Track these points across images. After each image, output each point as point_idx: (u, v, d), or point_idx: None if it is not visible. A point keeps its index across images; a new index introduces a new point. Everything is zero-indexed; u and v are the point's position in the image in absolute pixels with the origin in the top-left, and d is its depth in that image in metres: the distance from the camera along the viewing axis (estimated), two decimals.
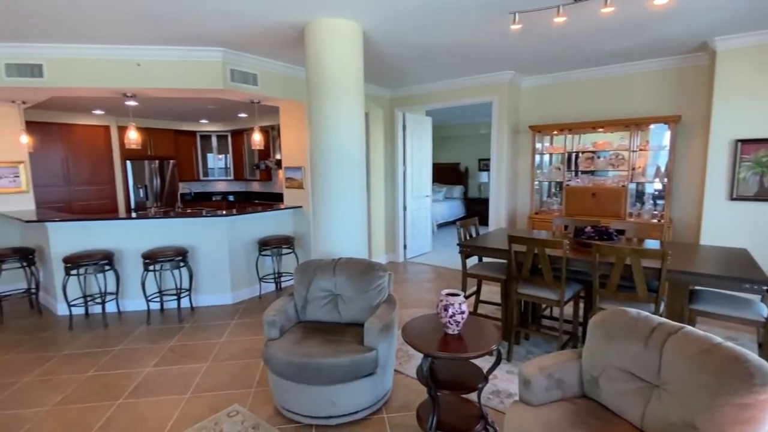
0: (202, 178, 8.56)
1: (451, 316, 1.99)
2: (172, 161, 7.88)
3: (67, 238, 4.15)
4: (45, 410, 2.57)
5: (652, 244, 3.29)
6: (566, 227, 4.04)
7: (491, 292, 4.72)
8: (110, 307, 4.29)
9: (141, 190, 7.44)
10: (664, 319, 1.72)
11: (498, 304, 3.84)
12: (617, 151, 4.66)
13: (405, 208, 6.31)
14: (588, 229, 3.18)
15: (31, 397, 2.71)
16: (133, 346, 3.48)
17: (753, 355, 1.42)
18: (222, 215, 4.38)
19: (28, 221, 4.03)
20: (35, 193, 6.17)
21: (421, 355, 3.00)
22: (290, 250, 4.65)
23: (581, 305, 3.52)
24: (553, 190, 5.60)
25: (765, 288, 2.27)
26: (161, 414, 2.51)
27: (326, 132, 3.20)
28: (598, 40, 3.73)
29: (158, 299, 4.34)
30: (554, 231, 4.02)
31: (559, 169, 5.13)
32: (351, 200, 3.29)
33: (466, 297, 2.08)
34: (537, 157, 5.26)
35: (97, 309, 4.28)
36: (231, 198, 8.88)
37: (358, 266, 2.78)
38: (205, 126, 8.32)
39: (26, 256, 4.21)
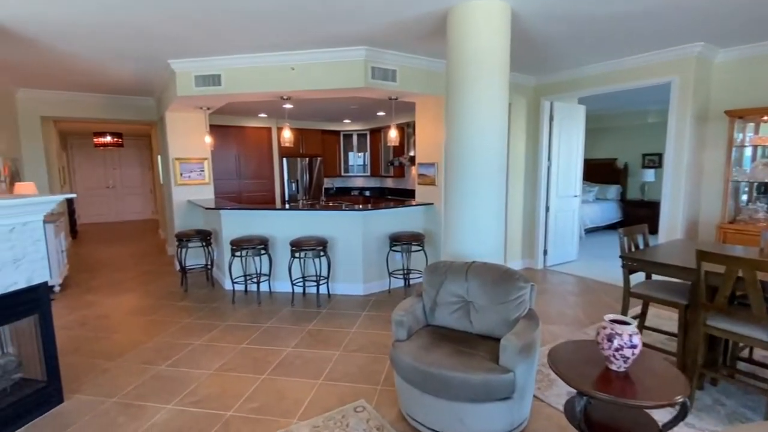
0: (343, 174, 9.18)
1: (617, 350, 1.59)
2: (319, 158, 8.63)
3: (235, 224, 4.83)
4: (208, 373, 2.97)
5: None
6: None
7: (659, 317, 3.86)
8: (264, 287, 4.86)
9: (293, 184, 8.33)
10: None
11: (671, 333, 3.09)
12: None
13: (547, 209, 5.66)
14: None
15: (200, 360, 3.17)
16: (278, 325, 3.84)
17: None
18: (357, 210, 4.53)
19: (207, 208, 4.81)
20: (215, 184, 7.44)
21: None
22: (420, 248, 4.57)
23: None
24: (756, 193, 4.31)
25: None
26: (296, 395, 2.66)
27: (465, 124, 2.97)
28: None
29: (301, 284, 4.73)
30: (763, 248, 3.04)
31: None
32: (488, 198, 3.00)
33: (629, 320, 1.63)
34: (734, 151, 4.10)
35: (253, 287, 4.89)
36: (367, 193, 9.32)
37: (494, 273, 2.50)
38: (347, 125, 8.89)
39: (205, 237, 5.04)
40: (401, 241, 4.46)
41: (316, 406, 2.54)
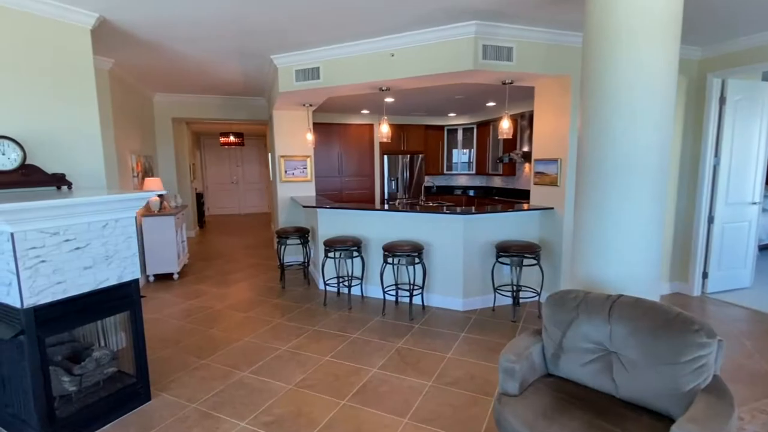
0: (445, 171, 8.61)
1: None
2: (420, 155, 8.20)
3: (330, 223, 4.64)
4: (287, 388, 2.73)
5: None
6: None
7: None
8: (356, 290, 4.59)
9: (393, 182, 8.05)
10: None
11: None
12: None
13: (711, 220, 4.36)
14: None
15: (282, 370, 2.97)
16: (366, 337, 3.49)
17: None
18: (458, 213, 3.95)
19: (305, 206, 4.71)
20: (318, 182, 7.52)
21: None
22: (534, 261, 3.81)
23: None
24: None
25: None
26: None
27: (611, 109, 2.21)
28: None
29: (394, 292, 4.34)
30: None
31: None
32: (643, 206, 2.19)
33: None
34: None
35: (346, 290, 4.66)
36: (471, 193, 8.60)
37: (655, 316, 1.74)
38: (452, 119, 8.29)
39: (303, 235, 4.97)
40: (511, 251, 3.77)
41: None
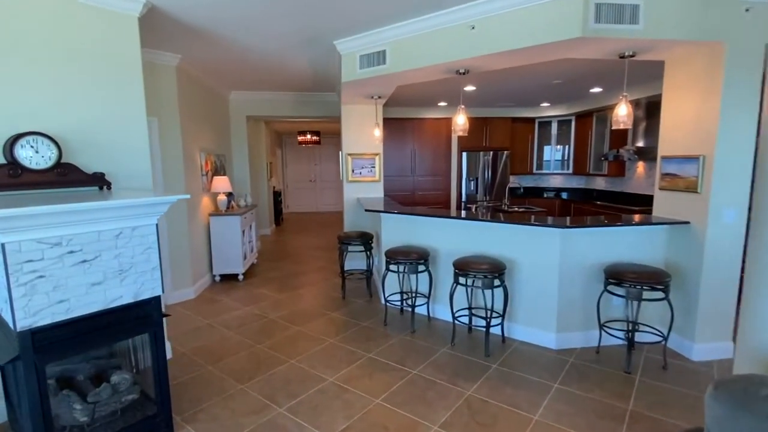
0: (534, 171, 7.53)
1: None
2: (505, 152, 7.24)
3: (394, 230, 4.07)
4: None
5: None
6: None
7: None
8: (421, 309, 3.96)
9: (472, 183, 7.22)
10: None
11: None
12: None
13: None
14: None
15: (323, 411, 2.46)
16: (429, 376, 2.85)
17: None
18: (554, 225, 3.10)
19: (367, 209, 4.19)
20: (389, 182, 7.00)
21: None
22: (661, 295, 2.81)
23: None
24: None
25: None
26: None
27: None
28: None
29: (467, 315, 3.62)
30: None
31: None
32: None
33: None
34: None
35: (410, 308, 4.04)
36: (565, 195, 7.41)
37: None
38: (545, 110, 7.19)
39: (367, 241, 4.46)
40: (626, 279, 2.82)
41: None
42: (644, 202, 5.48)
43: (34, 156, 2.31)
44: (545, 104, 6.90)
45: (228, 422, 2.36)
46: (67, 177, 2.44)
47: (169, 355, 3.18)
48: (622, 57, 3.04)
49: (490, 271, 3.08)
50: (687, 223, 3.05)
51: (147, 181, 2.93)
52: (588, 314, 3.24)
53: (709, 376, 2.80)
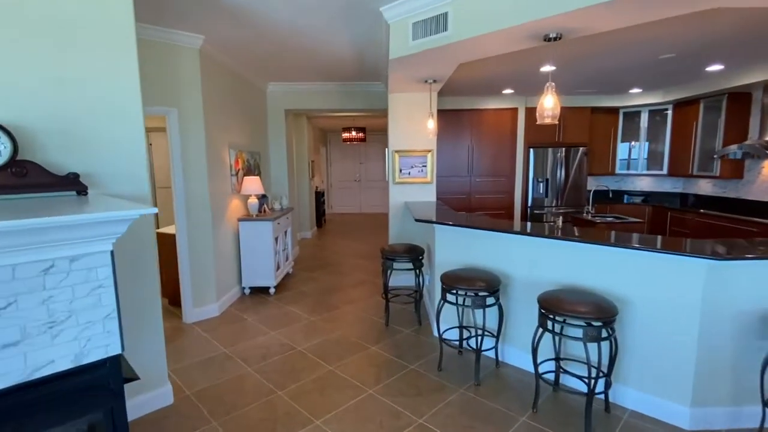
0: (617, 171, 6.31)
1: None
2: (582, 148, 6.10)
3: (453, 246, 3.22)
4: None
5: None
6: None
7: None
8: (488, 350, 3.08)
9: (541, 185, 6.15)
10: None
11: None
12: None
13: None
14: None
15: None
16: None
17: None
18: (698, 254, 2.10)
19: (418, 219, 3.37)
20: (442, 183, 6.12)
21: None
22: None
23: None
24: None
25: None
26: None
27: None
28: None
29: (554, 366, 2.70)
30: None
31: None
32: None
33: None
34: None
35: (472, 343, 3.18)
36: (652, 200, 6.13)
37: None
38: (633, 98, 5.95)
39: (417, 258, 3.64)
40: None
41: None
42: None
43: None
44: (635, 90, 5.68)
45: None
46: (25, 179, 1.84)
47: (169, 400, 2.55)
48: None
49: (595, 317, 2.15)
50: None
51: (141, 186, 2.31)
52: (743, 382, 2.21)
53: None
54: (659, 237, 2.50)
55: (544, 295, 2.39)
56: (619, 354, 2.43)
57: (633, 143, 6.16)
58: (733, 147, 4.65)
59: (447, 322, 3.28)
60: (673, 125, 5.74)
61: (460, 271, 2.89)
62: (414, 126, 4.65)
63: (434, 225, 3.32)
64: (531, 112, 5.98)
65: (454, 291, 2.73)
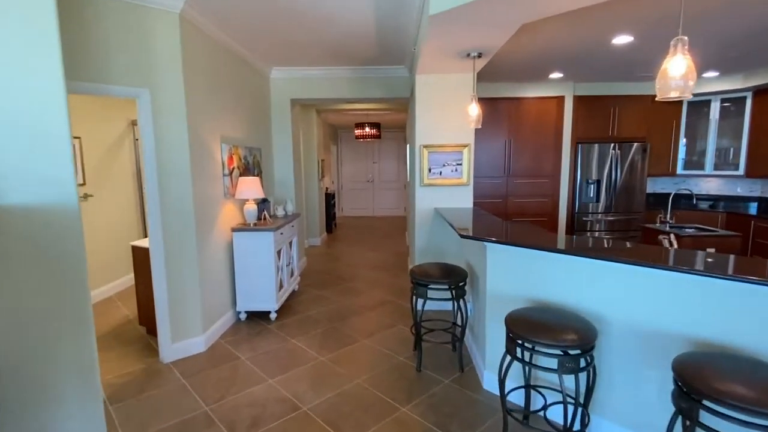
0: (679, 172, 5.37)
1: None
2: (640, 144, 5.17)
3: (515, 272, 2.36)
4: None
5: None
6: None
7: None
8: (558, 412, 2.20)
9: (591, 186, 5.24)
10: None
11: None
12: None
13: None
14: None
15: None
16: None
17: None
18: None
19: (464, 236, 2.51)
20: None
21: None
22: None
23: None
24: None
25: None
26: None
27: None
28: None
29: None
30: None
31: None
32: None
33: None
34: None
35: (539, 401, 2.30)
36: (722, 206, 5.18)
37: None
38: (703, 85, 5.01)
39: (457, 283, 2.78)
40: None
41: None
42: None
43: None
44: (710, 74, 4.73)
45: None
46: None
47: None
48: None
49: None
50: None
51: (67, 191, 1.49)
52: None
53: None
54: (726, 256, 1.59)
55: (685, 359, 1.51)
56: None
57: (699, 139, 5.21)
58: None
59: (513, 379, 2.41)
60: (753, 117, 4.79)
61: (533, 312, 2.02)
62: (448, 115, 3.79)
63: (486, 243, 2.46)
64: (581, 102, 5.08)
65: (530, 344, 1.86)
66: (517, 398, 2.42)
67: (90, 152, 4.37)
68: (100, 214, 4.47)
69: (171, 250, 3.00)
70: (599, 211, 5.27)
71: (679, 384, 1.49)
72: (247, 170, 4.12)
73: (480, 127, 3.23)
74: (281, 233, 4.00)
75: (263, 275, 3.74)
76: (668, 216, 3.62)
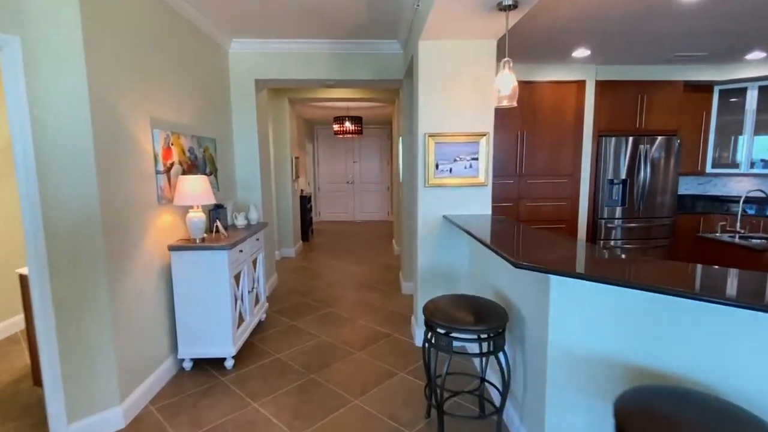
0: (708, 170, 4.69)
1: None
2: (670, 138, 4.45)
3: (599, 315, 1.49)
4: None
5: None
6: None
7: None
8: None
9: (616, 188, 4.47)
10: None
11: None
12: None
13: None
14: None
15: None
16: None
17: None
18: None
19: (519, 266, 1.61)
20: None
21: None
22: None
23: None
24: None
25: None
26: None
27: None
28: None
29: None
30: None
31: None
32: None
33: None
34: None
35: None
36: (754, 210, 4.53)
37: None
38: (746, 68, 4.31)
39: (497, 330, 1.88)
40: None
41: None
42: None
43: None
44: (755, 54, 4.04)
45: None
46: None
47: None
48: None
49: None
50: None
51: None
52: None
53: None
54: None
55: None
56: None
57: (732, 133, 4.55)
58: None
59: None
60: None
61: (668, 403, 1.13)
62: (462, 94, 2.91)
63: (550, 277, 1.58)
64: (605, 88, 4.30)
65: None
66: None
67: None
68: None
69: (64, 280, 1.99)
70: (626, 216, 4.50)
71: None
72: (194, 167, 3.10)
73: (515, 105, 2.35)
74: (240, 250, 3.00)
75: (215, 309, 2.74)
76: (738, 224, 2.86)
